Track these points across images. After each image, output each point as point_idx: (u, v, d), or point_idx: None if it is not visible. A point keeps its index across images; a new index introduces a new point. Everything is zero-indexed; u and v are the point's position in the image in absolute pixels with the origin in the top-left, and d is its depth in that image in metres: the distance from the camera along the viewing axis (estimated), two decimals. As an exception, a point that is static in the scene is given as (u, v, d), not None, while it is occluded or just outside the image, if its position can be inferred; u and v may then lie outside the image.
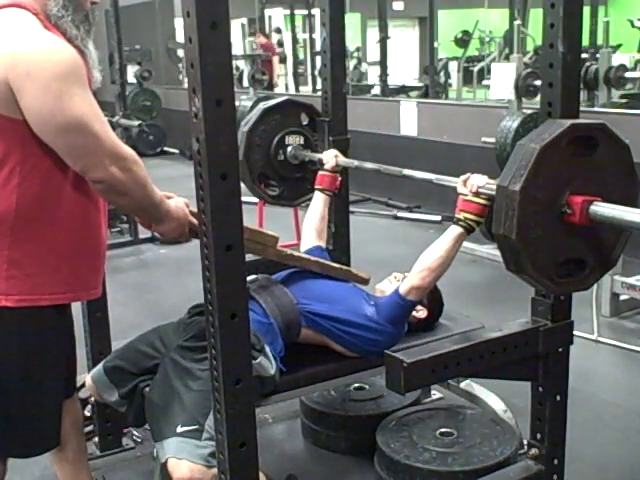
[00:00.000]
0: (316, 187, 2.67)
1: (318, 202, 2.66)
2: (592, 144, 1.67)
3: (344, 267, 2.52)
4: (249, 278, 2.31)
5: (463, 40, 13.57)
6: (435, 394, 2.95)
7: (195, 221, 1.82)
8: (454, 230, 2.11)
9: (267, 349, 2.07)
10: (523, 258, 1.64)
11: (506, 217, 1.61)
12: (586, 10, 5.46)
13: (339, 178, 2.66)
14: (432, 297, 2.42)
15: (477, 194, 2.03)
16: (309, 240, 2.61)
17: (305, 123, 2.85)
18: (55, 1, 1.73)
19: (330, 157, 2.64)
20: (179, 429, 1.86)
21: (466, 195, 2.06)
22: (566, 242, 1.69)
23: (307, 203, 2.79)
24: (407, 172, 2.39)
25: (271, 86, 9.19)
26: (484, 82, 9.14)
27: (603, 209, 1.61)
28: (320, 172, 2.68)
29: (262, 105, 2.81)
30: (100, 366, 2.22)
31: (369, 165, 2.57)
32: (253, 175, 2.76)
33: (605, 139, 1.68)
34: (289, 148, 2.79)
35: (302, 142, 2.81)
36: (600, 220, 1.62)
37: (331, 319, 2.25)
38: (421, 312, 2.41)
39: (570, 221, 1.64)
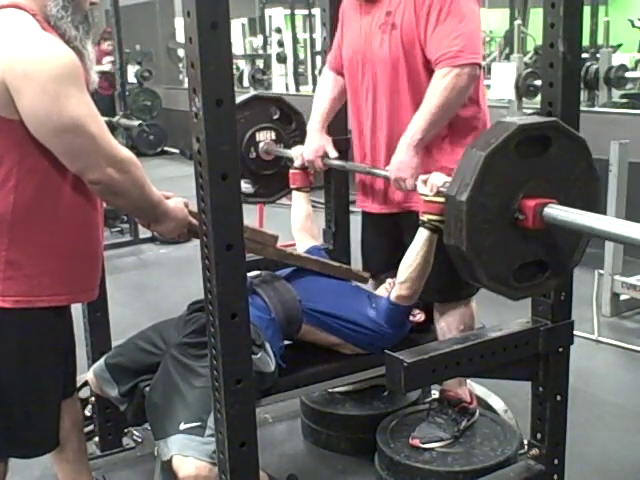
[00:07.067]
0: (291, 187, 2.65)
1: (298, 201, 2.64)
2: (545, 143, 1.61)
3: (344, 266, 2.52)
4: (252, 274, 2.31)
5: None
6: (435, 394, 2.95)
7: (194, 221, 1.82)
8: (422, 234, 2.08)
9: (267, 345, 2.08)
10: (476, 268, 1.58)
11: (455, 228, 1.56)
12: (586, 10, 5.45)
13: (311, 172, 2.62)
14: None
15: (438, 194, 1.96)
16: (303, 242, 2.60)
17: (276, 117, 2.81)
18: (55, 2, 1.72)
19: (298, 155, 2.59)
20: (182, 426, 1.87)
21: (427, 195, 2.01)
22: (522, 247, 1.62)
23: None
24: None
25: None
26: (484, 82, 9.12)
27: (558, 212, 1.54)
28: (291, 171, 2.64)
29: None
30: (102, 361, 2.22)
31: (357, 166, 2.54)
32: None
33: (559, 136, 1.62)
34: (261, 144, 2.75)
35: (274, 137, 2.78)
36: (554, 224, 1.56)
37: (334, 317, 2.26)
38: (419, 316, 2.41)
39: (524, 226, 1.58)
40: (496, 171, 1.55)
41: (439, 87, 2.13)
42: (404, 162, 2.18)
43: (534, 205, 1.56)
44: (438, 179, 1.97)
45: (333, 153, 2.54)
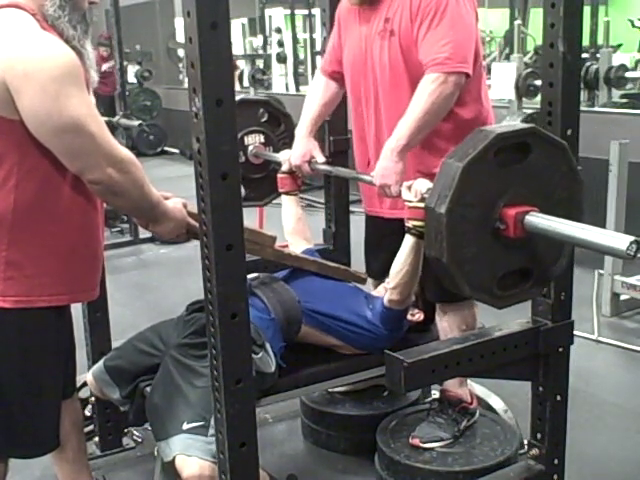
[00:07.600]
0: (280, 191, 2.64)
1: (288, 205, 2.64)
2: (525, 149, 1.59)
3: (342, 267, 2.52)
4: (251, 276, 2.31)
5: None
6: (435, 394, 2.95)
7: (193, 222, 1.83)
8: (408, 240, 2.09)
9: (268, 345, 2.08)
10: (458, 280, 1.56)
11: (435, 240, 1.53)
12: (586, 10, 5.44)
13: (299, 176, 2.61)
14: (427, 300, 2.42)
15: (422, 200, 1.94)
16: (297, 245, 2.60)
17: (264, 120, 2.79)
18: (52, 1, 1.72)
19: (285, 159, 2.58)
20: (185, 426, 1.86)
21: (411, 201, 2.00)
22: (505, 256, 1.60)
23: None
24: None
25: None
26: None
27: (538, 220, 1.52)
28: (278, 175, 2.63)
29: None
30: (101, 363, 2.22)
31: (343, 172, 2.52)
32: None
33: (538, 142, 1.60)
34: (250, 148, 2.74)
35: (262, 140, 2.76)
36: (536, 232, 1.53)
37: (332, 317, 2.26)
38: (417, 315, 2.41)
39: (506, 235, 1.55)
40: (475, 181, 1.53)
41: (425, 92, 2.12)
42: (389, 168, 2.16)
43: (514, 214, 1.54)
44: (422, 185, 1.97)
45: (320, 158, 2.53)
